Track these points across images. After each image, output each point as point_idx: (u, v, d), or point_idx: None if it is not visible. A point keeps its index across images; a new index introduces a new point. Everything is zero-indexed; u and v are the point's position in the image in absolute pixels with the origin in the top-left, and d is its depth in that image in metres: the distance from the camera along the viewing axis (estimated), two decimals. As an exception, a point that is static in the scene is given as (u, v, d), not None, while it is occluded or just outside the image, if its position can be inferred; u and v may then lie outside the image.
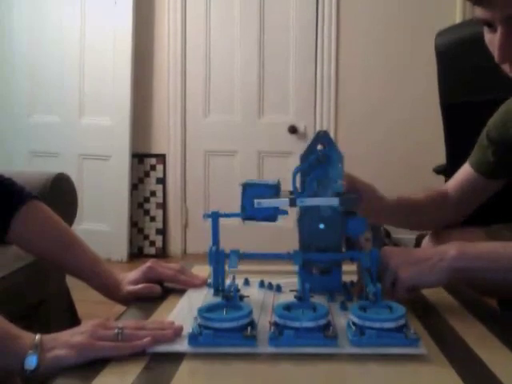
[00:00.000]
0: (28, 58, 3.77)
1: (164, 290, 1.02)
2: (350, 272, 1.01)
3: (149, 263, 1.06)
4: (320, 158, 0.94)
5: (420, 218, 1.29)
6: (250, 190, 0.95)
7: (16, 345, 0.71)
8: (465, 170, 1.29)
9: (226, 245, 0.96)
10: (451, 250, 0.90)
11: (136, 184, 3.85)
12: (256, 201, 0.93)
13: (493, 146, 1.24)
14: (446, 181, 1.84)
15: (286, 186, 0.99)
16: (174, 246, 3.87)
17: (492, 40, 0.90)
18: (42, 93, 3.76)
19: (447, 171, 1.96)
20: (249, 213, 0.95)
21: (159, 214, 3.86)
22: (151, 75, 3.82)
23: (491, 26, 0.90)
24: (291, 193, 0.97)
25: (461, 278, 0.91)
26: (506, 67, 0.92)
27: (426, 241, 1.35)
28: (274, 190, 0.95)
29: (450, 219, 1.29)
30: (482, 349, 0.74)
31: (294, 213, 0.99)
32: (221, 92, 3.78)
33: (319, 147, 0.97)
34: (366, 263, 0.90)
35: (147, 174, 3.86)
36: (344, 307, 0.88)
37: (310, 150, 0.97)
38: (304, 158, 0.97)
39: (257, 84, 3.74)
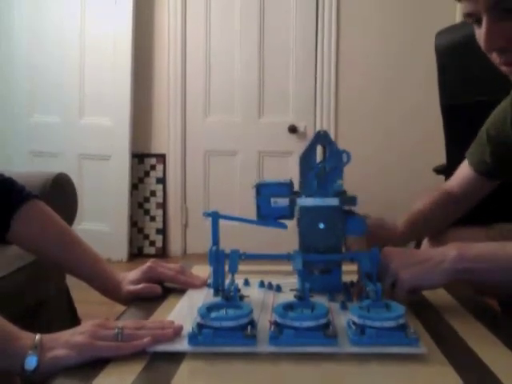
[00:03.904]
0: (28, 59, 3.77)
1: (164, 290, 1.02)
2: (350, 272, 1.01)
3: (149, 263, 1.06)
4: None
5: (431, 229, 1.30)
6: (265, 190, 0.96)
7: (16, 345, 0.71)
8: (464, 169, 1.29)
9: (226, 245, 0.96)
10: (452, 251, 0.90)
11: (136, 184, 3.85)
12: (272, 199, 0.94)
13: (491, 145, 1.24)
14: (446, 181, 1.84)
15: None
16: (174, 246, 3.87)
17: (480, 33, 0.91)
18: (43, 93, 3.76)
19: (447, 171, 1.95)
20: (264, 212, 0.96)
21: (159, 213, 3.86)
22: (151, 75, 3.82)
23: (478, 20, 0.91)
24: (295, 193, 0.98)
25: (461, 278, 0.91)
26: (495, 58, 0.93)
27: (425, 241, 1.35)
28: (288, 188, 0.96)
29: (454, 217, 1.30)
30: (481, 348, 0.74)
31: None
32: (221, 92, 3.78)
33: (319, 148, 0.97)
34: (365, 267, 0.90)
35: (147, 174, 3.87)
36: (344, 307, 0.88)
37: (310, 150, 0.97)
38: (303, 158, 0.97)
39: (257, 84, 3.74)
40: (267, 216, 0.96)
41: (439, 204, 1.28)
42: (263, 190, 0.96)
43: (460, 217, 1.30)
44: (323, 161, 0.96)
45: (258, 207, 0.96)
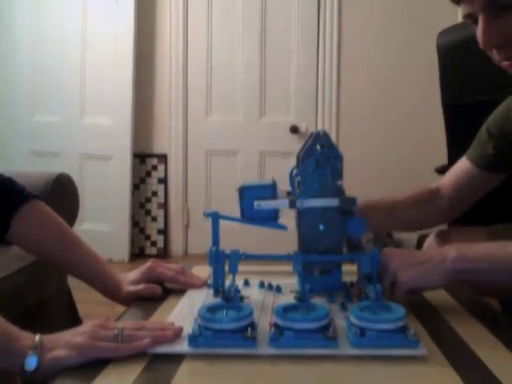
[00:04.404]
0: (29, 58, 3.77)
1: (164, 291, 1.02)
2: (350, 272, 1.00)
3: (149, 263, 1.06)
4: (319, 159, 0.94)
5: (398, 219, 1.27)
6: (248, 193, 0.95)
7: (16, 345, 0.71)
8: (462, 165, 1.27)
9: (226, 245, 0.96)
10: (451, 251, 0.90)
11: (137, 184, 3.85)
12: (256, 203, 0.94)
13: (493, 141, 1.23)
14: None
15: (287, 186, 0.99)
16: (176, 247, 3.87)
17: (478, 32, 0.93)
18: (43, 93, 3.76)
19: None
20: (248, 215, 0.95)
21: (160, 214, 3.86)
22: (153, 75, 3.82)
23: (476, 20, 0.93)
24: (289, 193, 0.97)
25: (461, 279, 0.91)
26: (495, 55, 0.94)
27: (428, 241, 1.34)
28: (271, 190, 0.96)
29: (442, 216, 1.28)
30: (482, 350, 0.74)
31: (293, 213, 0.99)
32: (222, 92, 3.78)
33: (318, 147, 0.96)
34: (365, 268, 0.90)
35: (149, 174, 3.87)
36: (344, 308, 0.88)
37: (308, 149, 0.96)
38: (301, 157, 0.96)
39: (258, 84, 3.74)
40: (251, 219, 0.96)
41: (417, 200, 1.26)
42: (246, 193, 0.96)
43: (456, 215, 1.29)
44: (323, 164, 0.95)
45: (242, 210, 0.96)
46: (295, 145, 3.62)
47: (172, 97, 3.80)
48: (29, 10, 3.75)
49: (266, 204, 0.94)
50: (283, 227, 0.97)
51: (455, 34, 1.93)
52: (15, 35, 3.79)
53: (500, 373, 0.67)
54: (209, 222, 0.97)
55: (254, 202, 0.94)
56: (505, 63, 0.95)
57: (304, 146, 0.97)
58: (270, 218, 0.96)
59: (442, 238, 1.27)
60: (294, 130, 3.69)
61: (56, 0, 3.71)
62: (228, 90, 3.77)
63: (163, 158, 3.85)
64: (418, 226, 1.34)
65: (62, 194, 1.71)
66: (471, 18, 0.94)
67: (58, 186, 1.69)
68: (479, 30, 0.91)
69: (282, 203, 0.95)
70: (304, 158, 0.96)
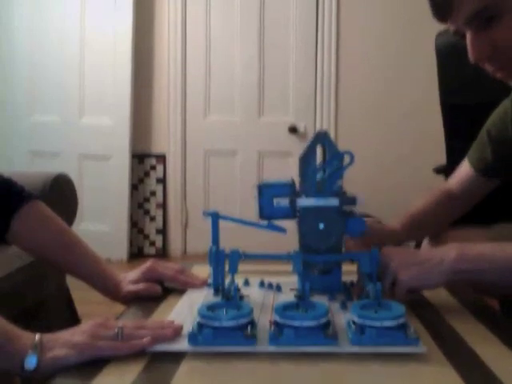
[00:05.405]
0: (28, 58, 3.77)
1: (164, 290, 1.02)
2: (350, 272, 1.01)
3: (149, 263, 1.06)
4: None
5: (432, 228, 1.29)
6: (267, 190, 0.96)
7: (16, 345, 0.71)
8: (464, 168, 1.29)
9: (225, 244, 0.96)
10: (451, 251, 0.90)
11: (136, 184, 3.85)
12: (275, 200, 0.94)
13: (492, 145, 1.24)
14: (446, 180, 1.83)
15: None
16: (174, 246, 3.87)
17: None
18: (42, 92, 3.75)
19: (447, 171, 1.95)
20: (267, 212, 0.96)
21: (159, 213, 3.86)
22: (151, 75, 3.82)
23: (464, 36, 0.93)
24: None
25: (460, 279, 0.91)
26: (488, 67, 0.95)
27: (426, 241, 1.35)
28: (290, 188, 0.97)
29: (454, 217, 1.30)
30: (482, 348, 0.74)
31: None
32: (221, 92, 3.78)
33: (318, 149, 0.97)
34: (365, 268, 0.90)
35: (147, 174, 3.86)
36: (344, 306, 0.88)
37: (310, 150, 0.96)
38: (303, 158, 0.97)
39: (257, 84, 3.74)
40: (269, 216, 0.96)
41: (440, 203, 1.28)
42: (265, 191, 0.96)
43: (459, 216, 1.30)
44: (323, 163, 0.96)
45: (261, 208, 0.96)
46: (294, 145, 3.62)
47: (171, 96, 3.80)
48: (28, 9, 3.74)
49: (286, 202, 0.95)
50: (282, 230, 0.97)
51: (454, 34, 1.93)
52: (14, 35, 3.79)
53: (499, 371, 0.67)
54: (208, 222, 0.97)
55: (273, 200, 0.95)
56: (499, 74, 0.95)
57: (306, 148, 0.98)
58: (288, 216, 0.96)
59: (438, 238, 1.27)
60: (293, 129, 3.69)
61: None
62: (226, 89, 3.77)
63: (162, 158, 3.85)
64: (442, 229, 1.35)
65: (61, 194, 1.71)
66: (459, 34, 0.94)
67: (57, 186, 1.69)
68: (468, 45, 0.92)
69: (284, 202, 0.95)
70: (305, 157, 0.96)
